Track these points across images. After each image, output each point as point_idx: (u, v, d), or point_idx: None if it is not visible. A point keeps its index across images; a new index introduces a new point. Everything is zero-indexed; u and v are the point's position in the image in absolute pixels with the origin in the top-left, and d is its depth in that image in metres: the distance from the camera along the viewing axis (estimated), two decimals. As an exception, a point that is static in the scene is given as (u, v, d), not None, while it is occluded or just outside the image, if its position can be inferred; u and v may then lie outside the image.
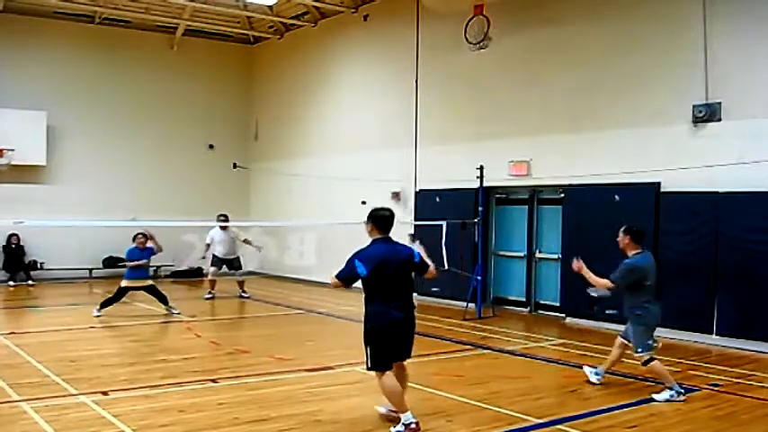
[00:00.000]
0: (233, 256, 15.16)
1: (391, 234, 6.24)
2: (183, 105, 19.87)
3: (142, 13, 18.37)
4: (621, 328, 11.21)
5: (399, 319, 5.98)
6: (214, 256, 15.07)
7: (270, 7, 18.02)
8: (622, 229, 7.62)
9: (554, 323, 12.24)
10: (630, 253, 7.47)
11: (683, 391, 7.26)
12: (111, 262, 18.46)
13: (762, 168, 9.73)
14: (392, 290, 5.99)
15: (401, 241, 6.43)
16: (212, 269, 15.14)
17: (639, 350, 7.38)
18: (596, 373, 7.83)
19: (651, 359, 7.39)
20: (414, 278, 6.24)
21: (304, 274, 18.23)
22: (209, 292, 14.94)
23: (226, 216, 15.05)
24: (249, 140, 21.03)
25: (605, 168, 11.63)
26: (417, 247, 6.35)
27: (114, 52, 18.90)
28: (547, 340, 10.64)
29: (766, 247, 9.72)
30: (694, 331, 10.49)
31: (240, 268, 15.38)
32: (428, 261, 6.28)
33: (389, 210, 6.31)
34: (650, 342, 7.39)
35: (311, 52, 18.75)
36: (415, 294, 15.85)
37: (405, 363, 6.22)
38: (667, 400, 7.14)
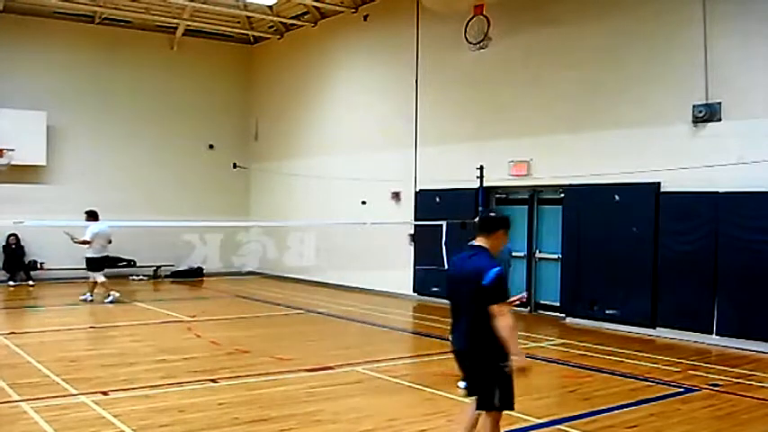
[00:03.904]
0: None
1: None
2: (183, 105, 19.85)
3: (142, 13, 18.37)
4: (621, 328, 11.32)
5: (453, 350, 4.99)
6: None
7: (270, 7, 18.01)
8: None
9: (554, 323, 12.24)
10: None
11: None
12: (111, 262, 18.46)
13: (762, 168, 9.73)
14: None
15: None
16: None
17: None
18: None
19: None
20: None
21: (304, 274, 18.23)
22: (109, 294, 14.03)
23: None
24: (249, 140, 21.03)
25: (605, 168, 11.62)
26: None
27: (114, 52, 18.89)
28: (547, 340, 10.63)
29: (766, 247, 9.72)
30: (694, 331, 10.48)
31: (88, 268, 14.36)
32: None
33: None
34: None
35: (311, 52, 18.74)
36: (414, 294, 15.59)
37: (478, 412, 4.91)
38: (467, 387, 6.98)
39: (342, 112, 17.83)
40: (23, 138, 16.96)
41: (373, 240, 15.24)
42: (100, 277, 14.21)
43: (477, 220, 6.63)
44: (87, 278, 14.37)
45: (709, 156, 10.39)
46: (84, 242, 13.92)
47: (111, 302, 13.89)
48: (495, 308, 4.59)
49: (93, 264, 14.19)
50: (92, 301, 14.05)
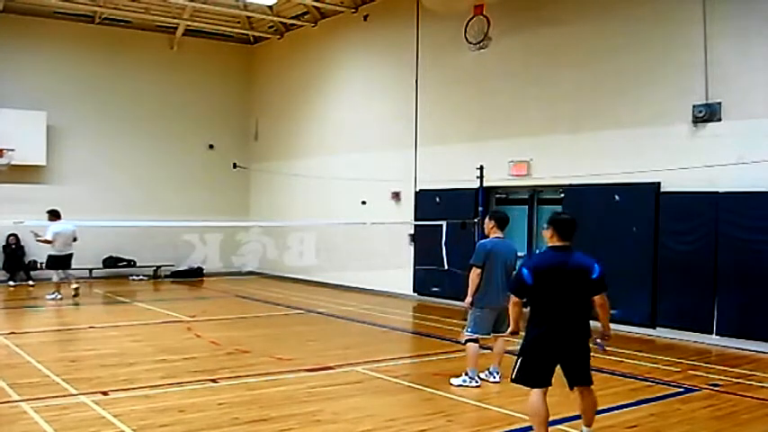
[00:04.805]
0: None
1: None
2: (183, 105, 19.86)
3: (142, 13, 18.37)
4: (621, 328, 11.30)
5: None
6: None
7: (270, 7, 18.02)
8: (488, 215, 8.01)
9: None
10: (492, 236, 7.78)
11: (478, 381, 7.57)
12: (111, 262, 18.50)
13: (762, 168, 9.73)
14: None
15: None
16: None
17: (468, 330, 7.64)
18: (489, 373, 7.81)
19: (474, 341, 7.61)
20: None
21: (304, 274, 18.23)
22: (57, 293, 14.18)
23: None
24: (249, 140, 21.03)
25: (605, 168, 11.62)
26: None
27: (114, 52, 18.89)
28: (547, 340, 10.62)
29: (766, 247, 9.72)
30: (694, 331, 10.48)
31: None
32: None
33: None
34: (478, 327, 7.57)
35: (311, 52, 18.75)
36: (414, 294, 15.56)
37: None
38: (460, 385, 7.52)
39: (342, 112, 17.83)
40: (23, 138, 16.95)
41: (373, 240, 15.23)
42: (55, 276, 14.28)
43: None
44: (79, 278, 14.35)
45: (709, 156, 10.39)
46: (46, 241, 14.02)
47: (52, 299, 13.94)
48: (599, 298, 5.49)
49: (53, 262, 14.25)
50: (61, 299, 13.97)
